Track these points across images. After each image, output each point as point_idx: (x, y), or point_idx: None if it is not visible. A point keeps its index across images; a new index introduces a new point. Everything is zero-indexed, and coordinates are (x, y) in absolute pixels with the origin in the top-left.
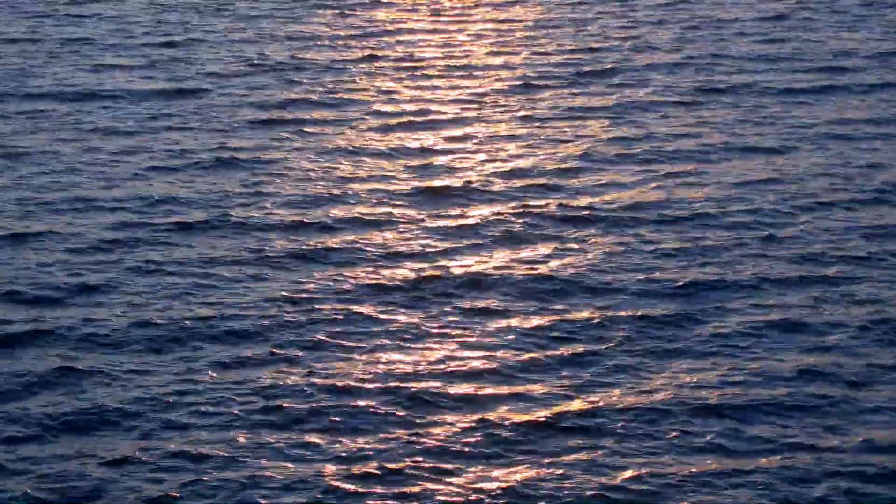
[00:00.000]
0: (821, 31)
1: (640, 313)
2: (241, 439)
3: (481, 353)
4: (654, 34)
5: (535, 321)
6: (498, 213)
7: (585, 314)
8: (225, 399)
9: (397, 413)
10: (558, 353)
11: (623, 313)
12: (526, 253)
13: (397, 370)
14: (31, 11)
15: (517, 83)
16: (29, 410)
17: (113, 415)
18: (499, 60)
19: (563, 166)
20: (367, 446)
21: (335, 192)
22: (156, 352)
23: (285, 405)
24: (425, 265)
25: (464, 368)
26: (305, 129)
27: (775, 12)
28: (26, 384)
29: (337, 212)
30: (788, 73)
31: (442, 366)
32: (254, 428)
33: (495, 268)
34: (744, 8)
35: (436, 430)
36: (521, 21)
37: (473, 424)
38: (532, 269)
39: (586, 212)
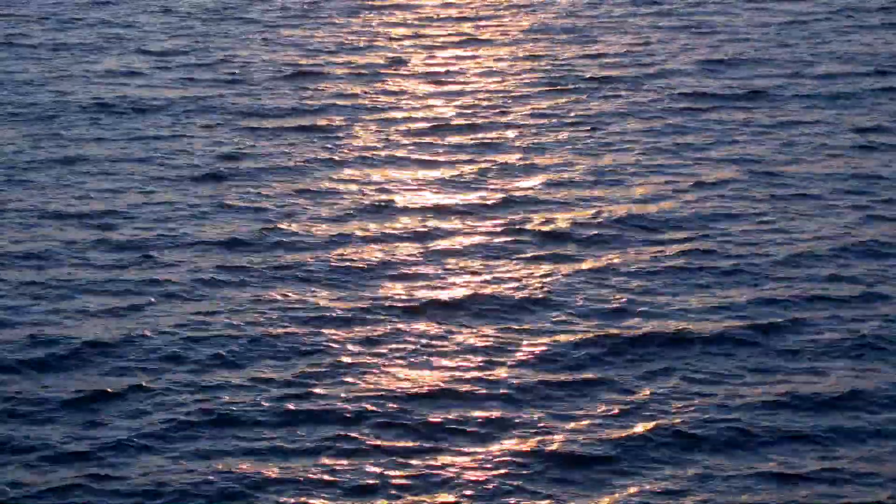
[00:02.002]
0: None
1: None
2: (235, 468)
3: (492, 376)
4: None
5: (556, 343)
6: (528, 228)
7: (610, 334)
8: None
9: (400, 442)
10: (568, 378)
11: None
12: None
13: (405, 393)
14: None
15: (545, 89)
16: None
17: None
18: (525, 66)
19: (604, 177)
20: (379, 473)
21: (355, 204)
22: (163, 370)
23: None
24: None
25: (476, 392)
26: (328, 137)
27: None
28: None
29: (365, 224)
30: (808, 79)
31: (455, 387)
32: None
33: (539, 287)
34: (756, 13)
35: (445, 459)
36: (545, 28)
37: (489, 452)
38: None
39: (626, 225)
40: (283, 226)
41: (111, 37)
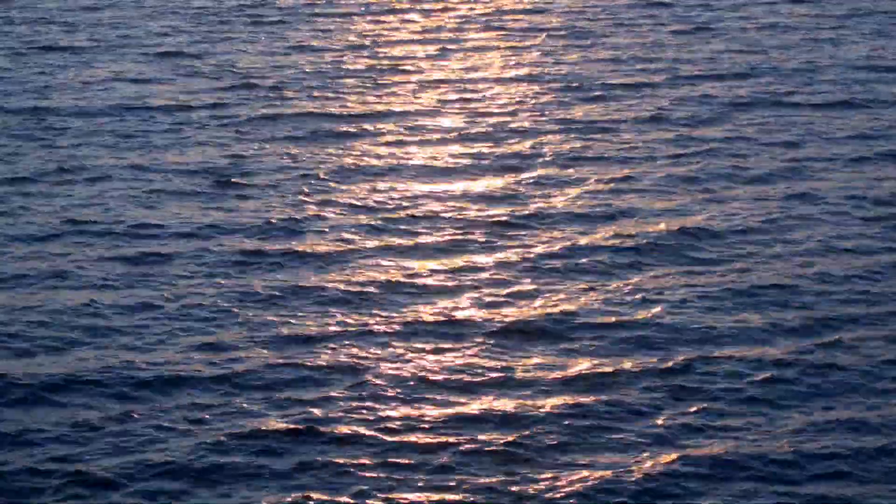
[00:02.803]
0: None
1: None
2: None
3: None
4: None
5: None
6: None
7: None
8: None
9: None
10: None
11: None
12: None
13: (428, 415)
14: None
15: (558, 95)
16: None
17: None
18: (544, 71)
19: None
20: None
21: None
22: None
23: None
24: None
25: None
26: (333, 144)
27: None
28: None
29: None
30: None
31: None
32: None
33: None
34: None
35: (467, 481)
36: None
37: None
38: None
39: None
40: (296, 238)
41: (113, 39)
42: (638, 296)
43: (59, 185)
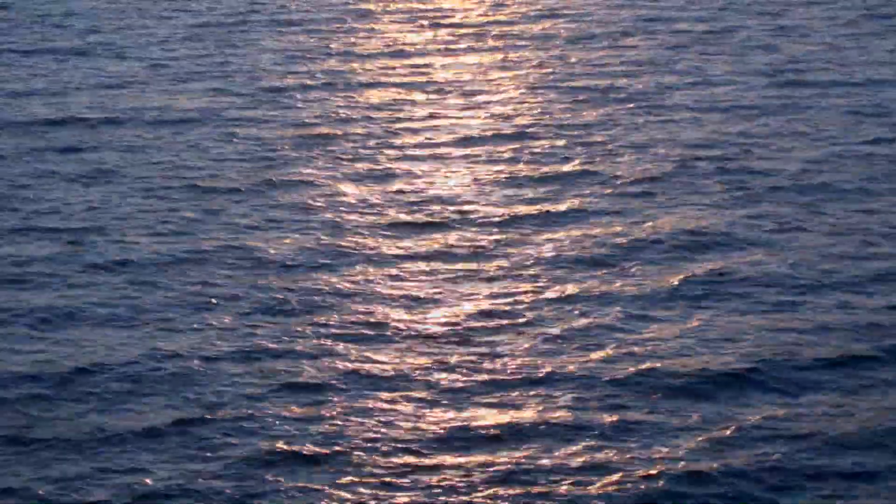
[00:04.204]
0: None
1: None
2: None
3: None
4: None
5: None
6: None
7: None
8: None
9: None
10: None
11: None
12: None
13: (463, 426)
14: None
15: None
16: None
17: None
18: (559, 74)
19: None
20: None
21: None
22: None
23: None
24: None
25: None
26: (336, 150)
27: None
28: None
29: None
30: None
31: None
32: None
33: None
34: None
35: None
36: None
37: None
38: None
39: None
40: (321, 244)
41: (114, 44)
42: (650, 301)
43: (71, 190)
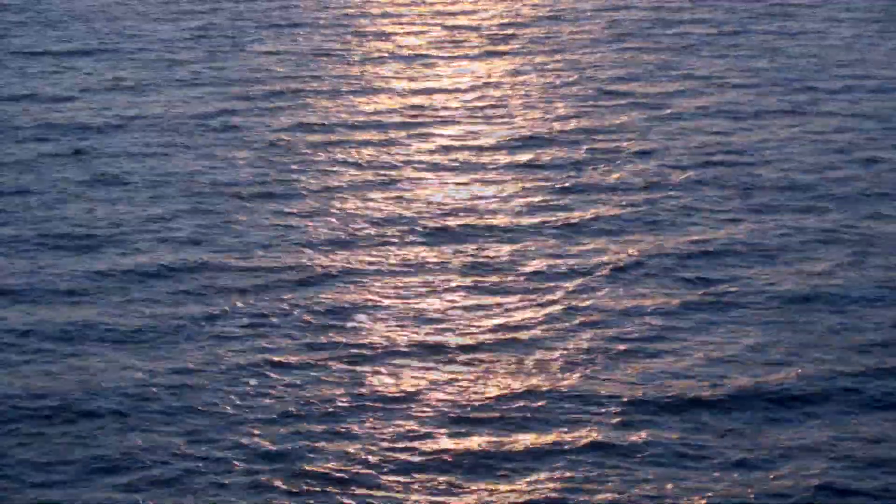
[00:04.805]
0: None
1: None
2: None
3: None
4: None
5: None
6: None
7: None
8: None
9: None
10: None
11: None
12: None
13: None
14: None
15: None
16: None
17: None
18: (571, 81)
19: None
20: None
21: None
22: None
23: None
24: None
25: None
26: (346, 157)
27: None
28: None
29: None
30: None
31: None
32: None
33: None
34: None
35: None
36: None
37: None
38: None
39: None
40: (331, 254)
41: (116, 48)
42: (669, 316)
43: (80, 195)
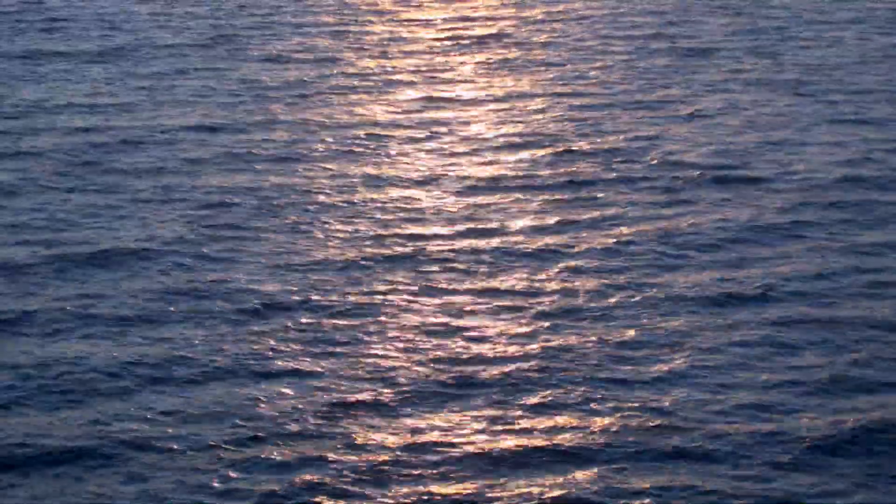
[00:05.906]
0: None
1: None
2: None
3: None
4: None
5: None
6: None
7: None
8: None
9: None
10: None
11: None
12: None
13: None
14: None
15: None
16: None
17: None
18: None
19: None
20: None
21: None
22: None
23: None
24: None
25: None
26: (378, 158)
27: None
28: None
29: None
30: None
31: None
32: None
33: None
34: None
35: None
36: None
37: None
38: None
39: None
40: (321, 249)
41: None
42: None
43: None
